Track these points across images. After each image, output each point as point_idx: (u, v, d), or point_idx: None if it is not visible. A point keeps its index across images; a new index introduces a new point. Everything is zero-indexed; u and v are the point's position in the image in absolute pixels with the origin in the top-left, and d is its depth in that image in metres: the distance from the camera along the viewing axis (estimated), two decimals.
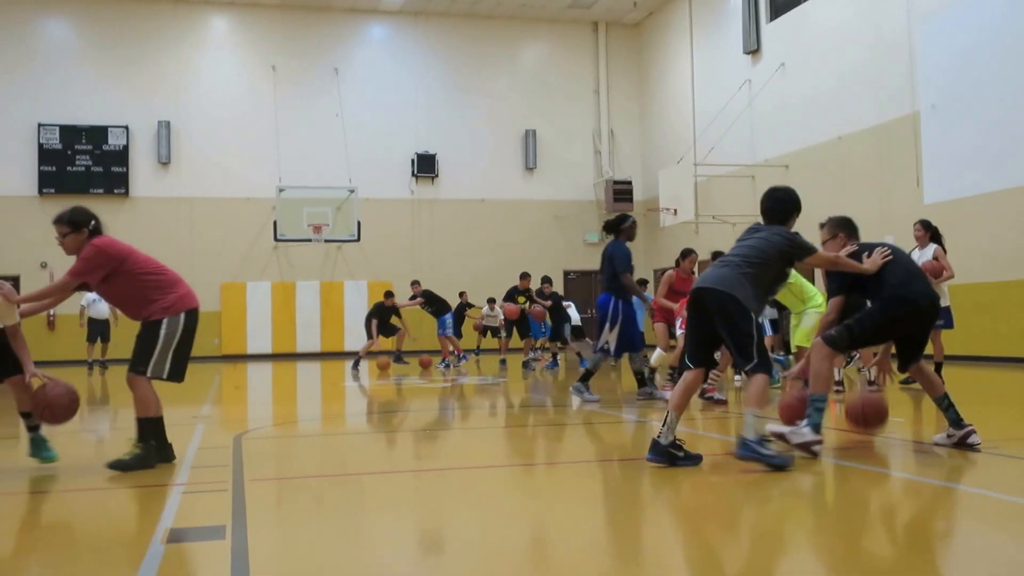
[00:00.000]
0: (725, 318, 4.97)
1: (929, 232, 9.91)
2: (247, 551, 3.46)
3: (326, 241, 21.50)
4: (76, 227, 5.33)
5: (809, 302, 8.60)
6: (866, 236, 10.18)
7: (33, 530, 4.12)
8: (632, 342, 8.74)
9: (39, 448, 5.47)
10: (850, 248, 5.60)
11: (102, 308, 18.48)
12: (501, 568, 3.29)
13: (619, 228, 8.97)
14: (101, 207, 21.79)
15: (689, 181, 19.74)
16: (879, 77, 15.96)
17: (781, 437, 5.20)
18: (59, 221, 5.38)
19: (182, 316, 5.35)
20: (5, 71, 21.41)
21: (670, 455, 4.94)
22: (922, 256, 9.70)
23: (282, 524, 4.14)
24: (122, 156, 21.89)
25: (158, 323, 5.29)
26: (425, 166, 23.30)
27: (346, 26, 23.33)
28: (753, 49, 19.63)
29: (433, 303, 16.90)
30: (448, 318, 16.89)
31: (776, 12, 19.14)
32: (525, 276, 16.37)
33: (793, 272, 8.47)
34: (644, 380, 8.84)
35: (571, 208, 24.32)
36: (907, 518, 4.11)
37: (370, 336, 16.00)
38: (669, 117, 23.24)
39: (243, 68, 22.77)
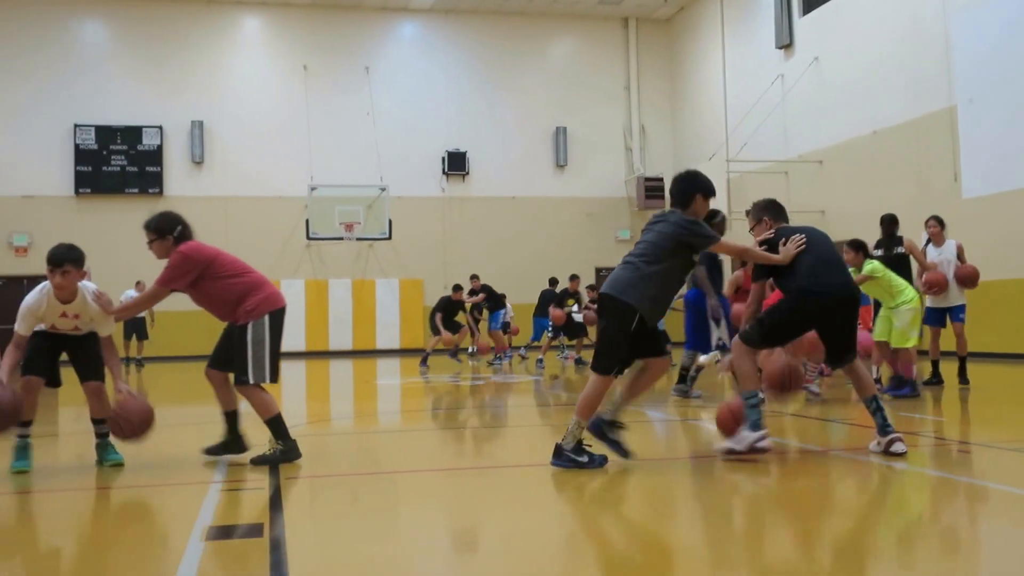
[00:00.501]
0: (607, 320, 4.92)
1: (945, 228, 9.60)
2: (285, 549, 3.47)
3: (358, 239, 21.61)
4: (161, 234, 5.39)
5: (899, 296, 8.24)
6: (903, 232, 10.13)
7: (77, 527, 4.17)
8: (706, 339, 8.70)
9: (105, 453, 5.49)
10: (767, 234, 5.37)
11: None
12: (532, 567, 3.27)
13: (711, 223, 8.82)
14: (136, 207, 22.23)
15: (721, 177, 19.56)
16: (914, 71, 15.72)
17: (732, 452, 5.08)
18: (146, 227, 5.46)
19: (266, 319, 5.36)
20: (42, 73, 21.73)
21: (573, 460, 4.86)
22: (941, 253, 9.44)
23: (319, 522, 4.16)
24: (156, 156, 22.15)
25: (244, 329, 5.32)
26: (456, 164, 23.33)
27: (377, 24, 23.42)
28: (786, 43, 19.43)
29: (492, 298, 16.80)
30: (500, 314, 16.89)
31: (809, 6, 18.92)
32: (575, 278, 16.31)
33: (880, 266, 8.34)
34: (686, 377, 8.75)
35: (602, 205, 24.24)
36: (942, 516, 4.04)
37: (436, 332, 15.64)
38: (701, 113, 23.07)
39: (275, 67, 22.94)
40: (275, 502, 4.35)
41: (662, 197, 23.67)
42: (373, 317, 22.45)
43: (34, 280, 23.89)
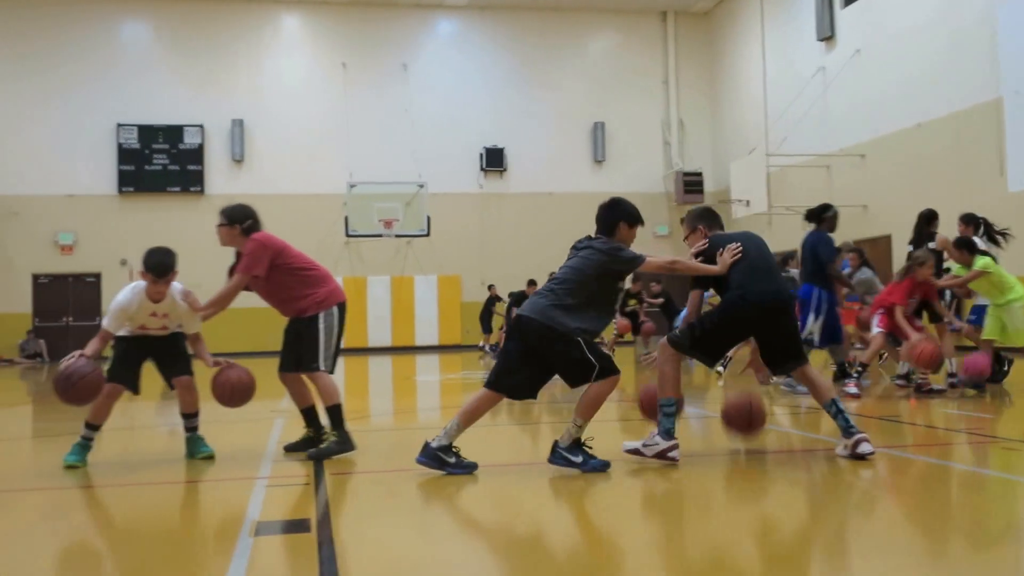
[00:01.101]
0: (549, 349, 4.79)
1: (971, 226, 9.22)
2: (333, 544, 3.49)
3: (396, 236, 21.72)
4: (230, 221, 5.55)
5: (1010, 293, 8.06)
6: (946, 227, 9.92)
7: (129, 522, 4.23)
8: (835, 333, 8.59)
9: (196, 446, 5.59)
10: (701, 245, 5.25)
11: None
12: (571, 565, 3.26)
13: (822, 217, 8.75)
14: (177, 205, 22.55)
15: (761, 172, 19.37)
16: (959, 62, 15.41)
17: (636, 452, 5.02)
18: (221, 212, 5.64)
19: (335, 309, 5.52)
20: (86, 74, 22.11)
21: (439, 459, 4.77)
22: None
23: (364, 517, 4.18)
24: (197, 154, 22.43)
25: (315, 318, 5.46)
26: (493, 160, 23.33)
27: (414, 22, 23.49)
28: (827, 36, 19.16)
29: None
30: None
31: None
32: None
33: (991, 261, 8.17)
34: (846, 372, 8.58)
35: (640, 201, 23.46)
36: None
37: (487, 330, 15.62)
38: (740, 107, 22.84)
39: (314, 66, 23.12)
40: (320, 497, 4.38)
41: (701, 192, 23.49)
42: (412, 314, 22.55)
43: (79, 278, 24.43)
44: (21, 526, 4.07)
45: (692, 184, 23.33)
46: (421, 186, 21.57)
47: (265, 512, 4.11)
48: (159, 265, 5.20)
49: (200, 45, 22.62)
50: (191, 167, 22.40)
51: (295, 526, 3.87)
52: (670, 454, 4.95)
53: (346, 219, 21.38)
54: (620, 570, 3.25)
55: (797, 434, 6.63)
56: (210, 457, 5.51)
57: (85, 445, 5.39)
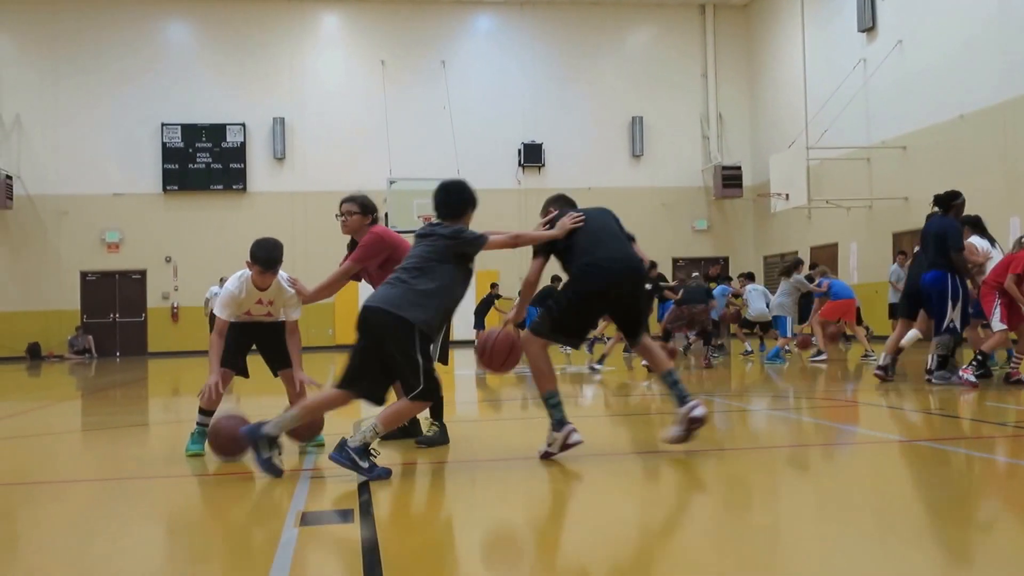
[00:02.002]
0: (392, 341, 4.62)
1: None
2: (376, 535, 3.56)
3: None
4: (364, 211, 5.72)
5: None
6: (990, 219, 9.76)
7: (177, 512, 4.34)
8: (967, 318, 8.58)
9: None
10: (550, 217, 5.18)
11: None
12: (608, 558, 3.29)
13: (951, 204, 8.71)
14: (220, 203, 22.92)
15: (801, 165, 19.18)
16: (1004, 51, 15.11)
17: (548, 455, 4.97)
18: (351, 200, 5.74)
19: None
20: (130, 76, 22.53)
21: (353, 460, 4.64)
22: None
23: (407, 509, 4.25)
24: (240, 153, 22.75)
25: None
26: (532, 156, 23.36)
27: (452, 18, 23.59)
28: (868, 27, 18.91)
29: None
30: None
31: None
32: (717, 262, 16.18)
33: None
34: (946, 362, 8.60)
35: (679, 195, 23.99)
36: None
37: (480, 326, 15.95)
38: (780, 100, 22.62)
39: (354, 63, 23.33)
40: (363, 489, 4.45)
41: (740, 186, 23.32)
42: None
43: (125, 275, 24.95)
44: (73, 515, 4.20)
45: (731, 178, 23.17)
46: None
47: (309, 503, 4.20)
48: (267, 259, 5.32)
49: (241, 45, 22.94)
50: (233, 165, 22.73)
51: (339, 516, 3.95)
52: (571, 440, 4.94)
53: (386, 215, 21.53)
54: (666, 564, 3.29)
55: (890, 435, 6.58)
56: (320, 445, 5.66)
57: (203, 432, 5.55)
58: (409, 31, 23.38)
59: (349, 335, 19.29)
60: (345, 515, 3.95)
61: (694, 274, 13.25)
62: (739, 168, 23.41)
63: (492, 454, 5.61)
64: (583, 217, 5.09)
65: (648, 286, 12.45)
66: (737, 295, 14.21)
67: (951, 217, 8.59)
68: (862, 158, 18.99)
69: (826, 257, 20.94)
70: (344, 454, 4.61)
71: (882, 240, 18.74)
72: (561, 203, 5.44)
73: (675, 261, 23.52)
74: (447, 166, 22.23)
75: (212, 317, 20.51)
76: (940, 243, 8.39)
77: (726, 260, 23.74)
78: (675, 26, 24.30)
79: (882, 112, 18.61)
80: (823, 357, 12.72)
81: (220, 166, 22.68)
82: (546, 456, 5.01)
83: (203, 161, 22.66)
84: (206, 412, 5.56)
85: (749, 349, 14.85)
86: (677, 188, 24.01)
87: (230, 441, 5.10)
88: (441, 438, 5.70)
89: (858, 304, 14.63)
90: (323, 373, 13.46)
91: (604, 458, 5.26)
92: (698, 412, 4.95)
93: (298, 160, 22.94)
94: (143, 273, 22.55)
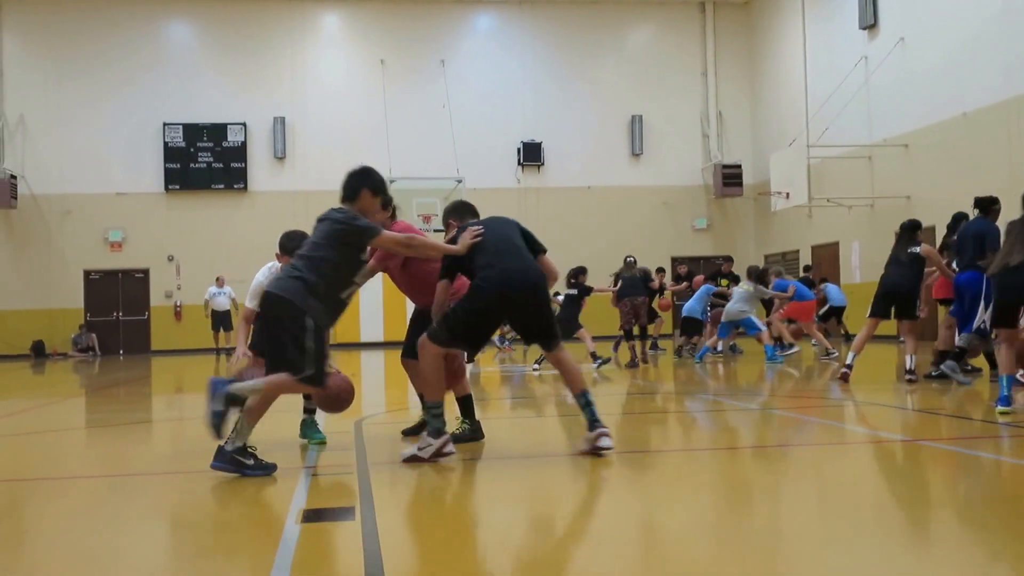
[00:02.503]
0: (283, 327, 4.62)
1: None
2: (377, 531, 3.59)
3: (435, 231, 21.84)
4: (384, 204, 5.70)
5: None
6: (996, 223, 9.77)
7: (178, 509, 4.37)
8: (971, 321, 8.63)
9: (309, 430, 5.90)
10: (451, 232, 5.14)
11: (222, 301, 19.48)
12: (613, 557, 3.32)
13: (990, 208, 8.85)
14: (222, 202, 22.96)
15: (802, 163, 19.19)
16: (1007, 48, 15.10)
17: (415, 458, 4.91)
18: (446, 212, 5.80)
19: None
20: (132, 76, 22.58)
21: (237, 462, 4.68)
22: None
23: (407, 506, 4.28)
24: (241, 152, 22.79)
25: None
26: (531, 155, 23.38)
27: (452, 17, 23.61)
28: (870, 24, 18.90)
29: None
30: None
31: None
32: (728, 259, 16.29)
33: None
34: (962, 355, 8.68)
35: (679, 194, 24.00)
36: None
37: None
38: (780, 98, 22.63)
39: (353, 63, 23.36)
40: (364, 486, 4.49)
41: (740, 185, 23.33)
42: None
43: (128, 274, 24.96)
44: (77, 512, 4.24)
45: (731, 177, 23.18)
46: (459, 181, 21.68)
47: (311, 500, 4.23)
48: (296, 248, 5.36)
49: (242, 45, 22.97)
50: (235, 165, 22.77)
51: (340, 514, 3.98)
52: (445, 450, 4.92)
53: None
54: (662, 557, 3.32)
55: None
56: (322, 443, 5.78)
57: (313, 420, 5.86)
58: (409, 30, 23.41)
59: (348, 333, 19.50)
60: (347, 512, 3.98)
61: (628, 259, 13.22)
62: (739, 167, 23.42)
63: (495, 453, 5.64)
64: (482, 231, 5.03)
65: (575, 292, 12.66)
66: (722, 295, 14.20)
67: (990, 220, 8.71)
68: (863, 156, 19.00)
69: (827, 256, 20.96)
70: (225, 457, 4.68)
71: (884, 239, 18.63)
72: (459, 213, 5.40)
73: (674, 260, 23.52)
74: (447, 165, 22.27)
75: (212, 316, 20.61)
76: (979, 245, 8.49)
77: (728, 260, 23.75)
78: (675, 24, 24.31)
79: (884, 110, 18.61)
80: (795, 350, 13.43)
81: (221, 165, 22.72)
82: (412, 459, 4.92)
83: (204, 161, 22.71)
84: (311, 410, 5.79)
85: (726, 348, 14.89)
86: (677, 187, 24.03)
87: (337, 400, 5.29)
88: (472, 435, 5.72)
89: (826, 304, 14.94)
90: None
91: (602, 458, 5.29)
92: (604, 443, 4.93)
93: (299, 159, 22.98)
94: (146, 272, 22.60)
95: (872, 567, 3.03)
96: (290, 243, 5.48)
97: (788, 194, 19.67)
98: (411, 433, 5.99)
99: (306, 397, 5.82)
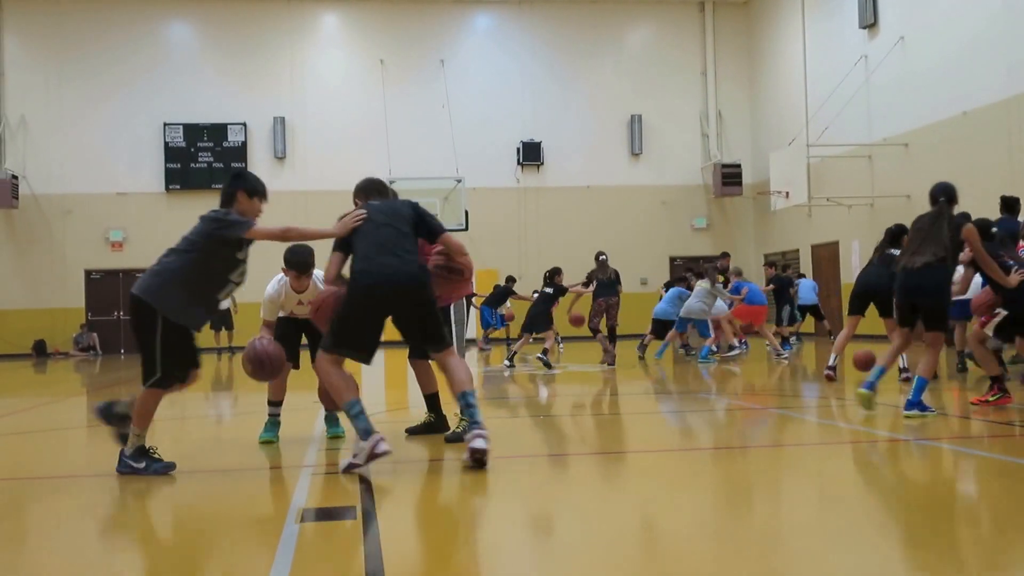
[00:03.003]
0: (134, 327, 4.70)
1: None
2: (378, 531, 3.61)
3: None
4: (365, 197, 5.72)
5: None
6: (993, 218, 9.78)
7: (179, 508, 4.40)
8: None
9: (329, 424, 6.09)
10: (354, 210, 5.01)
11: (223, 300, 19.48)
12: (607, 549, 3.35)
13: (1016, 208, 8.92)
14: None
15: (802, 163, 19.20)
16: (1008, 47, 15.10)
17: (352, 467, 4.74)
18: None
19: (463, 301, 5.84)
20: (133, 76, 22.60)
21: (130, 466, 4.79)
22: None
23: (408, 505, 4.30)
24: (241, 152, 22.81)
25: (446, 310, 5.90)
26: (530, 154, 23.39)
27: (451, 17, 23.62)
28: (870, 23, 18.90)
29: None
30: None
31: None
32: (725, 255, 16.28)
33: None
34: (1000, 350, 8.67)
35: (678, 193, 24.00)
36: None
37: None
38: (780, 97, 22.63)
39: (353, 63, 23.37)
40: (364, 486, 4.50)
41: (740, 184, 23.34)
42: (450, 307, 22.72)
43: (129, 274, 24.96)
44: (76, 511, 4.26)
45: (731, 176, 23.17)
46: (459, 181, 21.66)
47: (311, 499, 4.25)
48: (301, 264, 5.64)
49: (242, 45, 22.99)
50: (235, 164, 22.76)
51: (340, 513, 4.00)
52: (377, 450, 4.65)
53: None
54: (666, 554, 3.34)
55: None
56: (339, 437, 5.93)
57: (275, 422, 5.90)
58: (408, 30, 23.42)
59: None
60: (346, 511, 4.00)
61: (601, 257, 13.20)
62: (739, 166, 23.42)
63: (495, 452, 5.66)
64: (364, 215, 4.87)
65: (550, 290, 12.69)
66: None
67: (1014, 219, 8.78)
68: (863, 156, 19.00)
69: (827, 256, 20.98)
70: (123, 464, 4.82)
71: None
72: (367, 192, 5.22)
73: (672, 259, 23.54)
74: (446, 165, 22.27)
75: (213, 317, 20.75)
76: (1014, 243, 8.54)
77: (725, 255, 23.77)
78: (674, 23, 24.31)
79: (884, 109, 18.61)
80: (736, 352, 13.56)
81: (221, 165, 22.73)
82: (350, 468, 4.71)
83: (205, 160, 22.73)
84: (275, 403, 5.91)
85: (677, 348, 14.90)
86: (677, 186, 24.04)
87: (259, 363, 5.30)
88: (433, 428, 5.87)
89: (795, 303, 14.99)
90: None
91: (607, 457, 5.31)
92: (477, 444, 4.71)
93: (298, 159, 23.00)
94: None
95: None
96: (294, 257, 5.63)
97: (788, 193, 19.68)
98: (414, 432, 6.00)
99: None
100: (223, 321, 19.76)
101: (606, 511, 4.06)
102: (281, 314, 5.91)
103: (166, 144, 22.61)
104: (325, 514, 3.99)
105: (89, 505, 4.40)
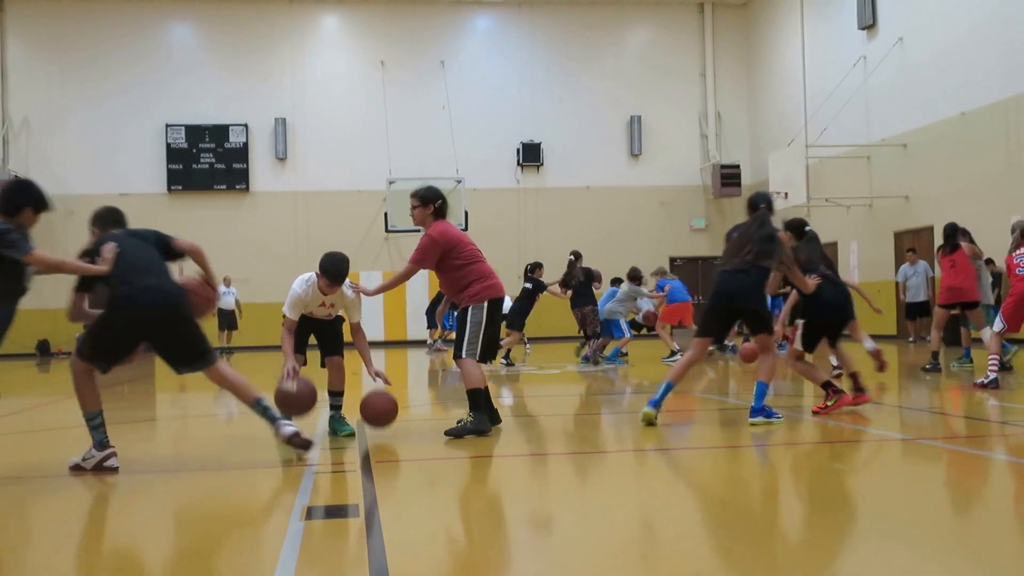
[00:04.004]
0: None
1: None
2: (381, 529, 3.66)
3: None
4: (423, 202, 6.08)
5: None
6: (992, 224, 9.86)
7: (184, 507, 4.44)
8: None
9: (338, 424, 6.18)
10: (91, 243, 5.08)
11: (228, 300, 19.55)
12: (605, 551, 3.40)
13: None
14: (224, 203, 23.04)
15: (800, 163, 19.24)
16: (1006, 48, 15.14)
17: (77, 467, 4.99)
18: (413, 195, 6.14)
19: (485, 304, 6.02)
20: (135, 77, 22.65)
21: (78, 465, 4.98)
22: (915, 273, 9.31)
23: (411, 503, 4.35)
24: (242, 153, 22.85)
25: (465, 311, 6.01)
26: (530, 155, 23.44)
27: (451, 19, 23.67)
28: (868, 24, 18.95)
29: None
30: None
31: None
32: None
33: None
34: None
35: (677, 194, 24.04)
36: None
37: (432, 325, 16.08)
38: (779, 98, 22.67)
39: (353, 64, 23.42)
40: (367, 484, 4.56)
41: (738, 185, 23.38)
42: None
43: None
44: (82, 509, 4.31)
45: (729, 177, 23.20)
46: (459, 181, 21.73)
47: (315, 498, 4.29)
48: (337, 274, 5.82)
49: (243, 46, 23.04)
50: (236, 165, 22.83)
51: (344, 511, 4.05)
52: (107, 464, 4.95)
53: (386, 215, 21.65)
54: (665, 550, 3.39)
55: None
56: (351, 435, 6.02)
57: (339, 412, 6.14)
58: (408, 31, 23.46)
59: (345, 334, 19.07)
60: (350, 509, 4.05)
61: (571, 257, 13.22)
62: (738, 167, 23.45)
63: (498, 451, 5.71)
64: (116, 247, 4.97)
65: (529, 285, 12.75)
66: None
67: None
68: (862, 156, 19.05)
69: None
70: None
71: (883, 239, 18.81)
72: (104, 221, 5.29)
73: (672, 260, 23.57)
74: (446, 166, 22.32)
75: (219, 315, 20.71)
76: None
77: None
78: (674, 25, 24.34)
79: (882, 110, 18.65)
80: (676, 357, 13.06)
81: (223, 166, 22.78)
82: (76, 468, 4.98)
83: (207, 161, 22.77)
84: (336, 393, 6.11)
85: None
86: (675, 187, 24.08)
87: (382, 414, 5.76)
88: (474, 427, 5.89)
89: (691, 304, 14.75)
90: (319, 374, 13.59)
91: (606, 456, 5.36)
92: (286, 431, 5.04)
93: (299, 160, 23.05)
94: None
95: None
96: (331, 267, 5.78)
97: (786, 194, 19.72)
98: (454, 435, 5.94)
99: (333, 394, 6.12)
100: (227, 322, 19.82)
101: (617, 513, 4.10)
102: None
103: (168, 145, 22.66)
104: (329, 512, 4.04)
105: (92, 504, 4.44)
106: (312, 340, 6.22)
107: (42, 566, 3.38)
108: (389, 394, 5.90)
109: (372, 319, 22.30)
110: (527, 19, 23.83)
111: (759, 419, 6.09)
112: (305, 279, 5.92)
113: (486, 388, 6.00)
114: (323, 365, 6.25)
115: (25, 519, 4.22)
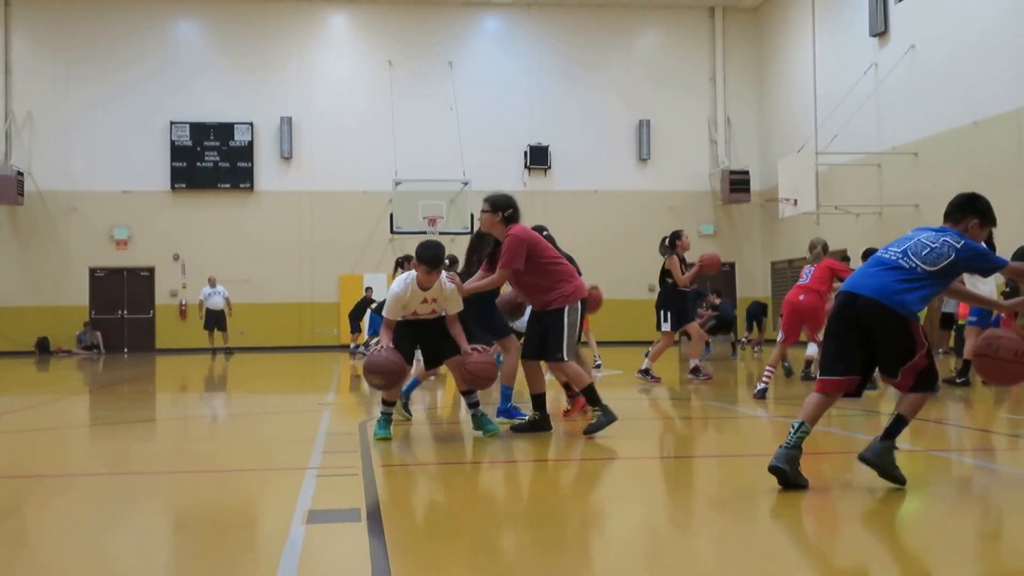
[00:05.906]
0: None
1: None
2: (383, 533, 3.55)
3: (440, 233, 21.78)
4: (493, 209, 5.97)
5: None
6: (1005, 234, 9.72)
7: (184, 509, 4.35)
8: None
9: (481, 423, 6.01)
10: None
11: (217, 301, 19.51)
12: (609, 554, 3.28)
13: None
14: (228, 202, 22.96)
15: (810, 170, 19.12)
16: (1019, 57, 15.03)
17: None
18: (485, 200, 6.06)
19: (578, 304, 5.97)
20: (140, 75, 22.62)
21: None
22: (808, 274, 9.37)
23: (413, 507, 4.25)
24: (247, 152, 22.79)
25: (560, 312, 5.88)
26: (538, 158, 23.36)
27: (460, 19, 23.61)
28: (880, 31, 18.85)
29: None
30: None
31: None
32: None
33: None
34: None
35: (686, 199, 23.94)
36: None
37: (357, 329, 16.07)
38: (789, 104, 22.57)
39: (360, 64, 23.36)
40: (369, 488, 4.45)
41: (748, 191, 23.28)
42: None
43: (133, 272, 24.98)
44: (78, 510, 4.21)
45: (739, 183, 23.12)
46: (465, 183, 21.64)
47: (316, 501, 4.20)
48: (433, 259, 5.68)
49: (250, 45, 22.99)
50: (241, 164, 22.77)
51: (345, 515, 3.95)
52: None
53: (391, 216, 21.55)
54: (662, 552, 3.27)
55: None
56: (495, 434, 5.89)
57: (388, 419, 5.92)
58: (416, 32, 23.40)
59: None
60: (352, 513, 3.95)
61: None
62: (747, 173, 23.35)
63: (500, 456, 5.61)
64: None
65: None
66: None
67: None
68: (873, 164, 18.93)
69: None
70: None
71: None
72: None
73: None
74: (453, 167, 22.23)
75: (208, 316, 20.77)
76: None
77: (732, 266, 23.78)
78: (684, 29, 24.26)
79: (893, 117, 18.54)
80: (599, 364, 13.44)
81: (228, 165, 22.71)
82: None
83: (211, 160, 22.71)
84: (389, 403, 5.92)
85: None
86: (684, 192, 23.97)
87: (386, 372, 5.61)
88: (606, 420, 5.85)
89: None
90: (331, 372, 13.49)
91: (616, 462, 5.24)
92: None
93: (305, 160, 22.97)
94: (151, 270, 22.60)
95: None
96: (427, 252, 5.67)
97: (796, 201, 19.61)
98: (520, 430, 5.99)
99: (465, 394, 5.96)
100: (216, 322, 19.72)
101: (618, 513, 3.99)
102: (399, 317, 5.89)
103: (172, 143, 22.61)
104: (331, 516, 3.94)
105: (91, 505, 4.35)
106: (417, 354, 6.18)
107: (42, 566, 3.30)
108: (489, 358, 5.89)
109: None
110: (536, 21, 23.77)
111: (500, 419, 6.37)
112: (404, 278, 5.83)
113: (588, 385, 5.92)
114: (427, 367, 6.27)
115: (21, 520, 4.13)
